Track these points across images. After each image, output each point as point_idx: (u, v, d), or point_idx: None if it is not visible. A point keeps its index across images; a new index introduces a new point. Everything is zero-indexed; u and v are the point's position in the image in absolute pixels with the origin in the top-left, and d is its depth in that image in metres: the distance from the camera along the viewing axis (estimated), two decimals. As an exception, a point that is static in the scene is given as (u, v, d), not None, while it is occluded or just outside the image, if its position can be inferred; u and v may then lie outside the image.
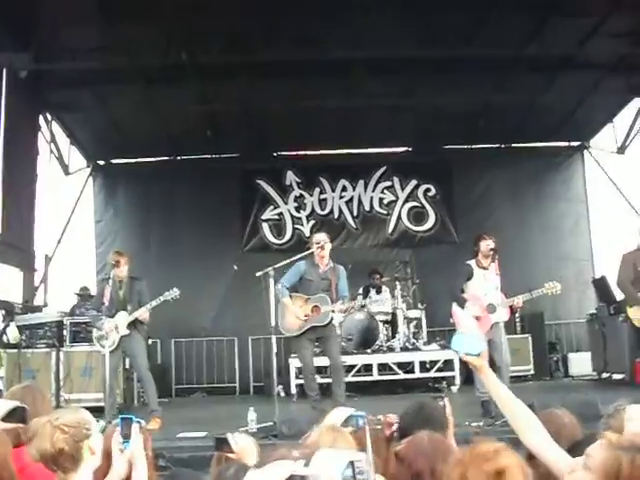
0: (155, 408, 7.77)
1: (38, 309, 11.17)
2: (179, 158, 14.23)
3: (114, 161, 14.35)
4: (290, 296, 7.70)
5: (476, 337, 3.03)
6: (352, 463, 1.65)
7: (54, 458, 2.54)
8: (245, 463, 2.73)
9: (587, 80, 12.14)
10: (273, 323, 7.36)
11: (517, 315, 12.21)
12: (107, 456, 2.76)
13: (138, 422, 2.92)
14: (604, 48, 11.13)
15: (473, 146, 14.55)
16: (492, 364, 7.38)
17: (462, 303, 7.53)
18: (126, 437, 2.83)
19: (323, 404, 7.30)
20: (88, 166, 14.15)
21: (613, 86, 12.44)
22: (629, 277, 7.84)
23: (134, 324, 7.74)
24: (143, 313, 7.67)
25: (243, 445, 2.98)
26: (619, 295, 9.59)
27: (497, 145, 14.63)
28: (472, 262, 7.71)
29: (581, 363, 12.51)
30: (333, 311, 7.65)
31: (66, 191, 13.78)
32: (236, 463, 2.75)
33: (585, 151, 14.78)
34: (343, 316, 10.67)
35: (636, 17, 10.41)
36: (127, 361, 9.28)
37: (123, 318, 7.68)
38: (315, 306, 7.56)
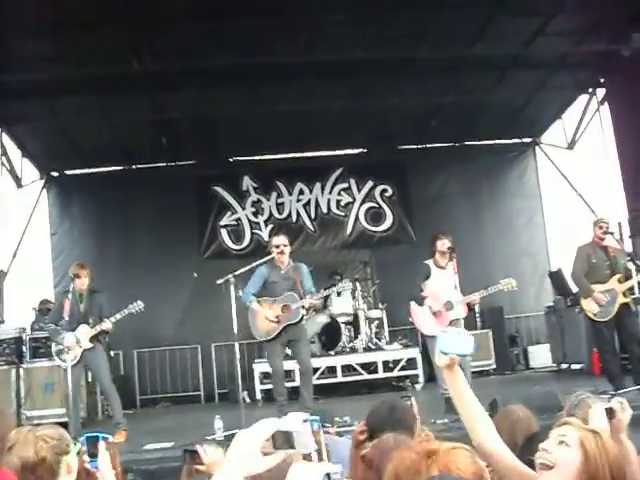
0: (120, 421, 7.71)
1: (-5, 326, 10.99)
2: (134, 167, 14.11)
3: (68, 172, 14.16)
4: (258, 301, 7.70)
5: (464, 335, 2.60)
6: (328, 475, 1.67)
7: (34, 467, 2.52)
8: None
9: (535, 78, 12.39)
10: (236, 329, 7.36)
11: (477, 310, 12.42)
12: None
13: (105, 438, 2.89)
14: (550, 47, 11.39)
15: (427, 145, 14.68)
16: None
17: (420, 301, 7.65)
18: (93, 456, 2.80)
19: (290, 408, 7.32)
20: (42, 178, 13.93)
21: (560, 83, 12.73)
22: (583, 269, 7.96)
23: (96, 337, 7.67)
24: (107, 326, 7.60)
25: (213, 457, 2.98)
26: (575, 287, 9.78)
27: (450, 144, 14.80)
28: (430, 262, 7.85)
29: (541, 355, 12.76)
30: (304, 307, 7.65)
31: (20, 204, 13.56)
32: (206, 475, 2.75)
33: (537, 147, 15.06)
34: (306, 318, 10.69)
35: (579, 17, 10.69)
36: (89, 374, 9.18)
37: (85, 331, 7.59)
38: (285, 305, 7.58)
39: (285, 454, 1.62)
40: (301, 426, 1.62)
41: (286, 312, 7.56)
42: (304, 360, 7.75)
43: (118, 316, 7.60)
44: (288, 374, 8.50)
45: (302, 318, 7.67)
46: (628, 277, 7.88)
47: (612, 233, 8.29)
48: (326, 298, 11.52)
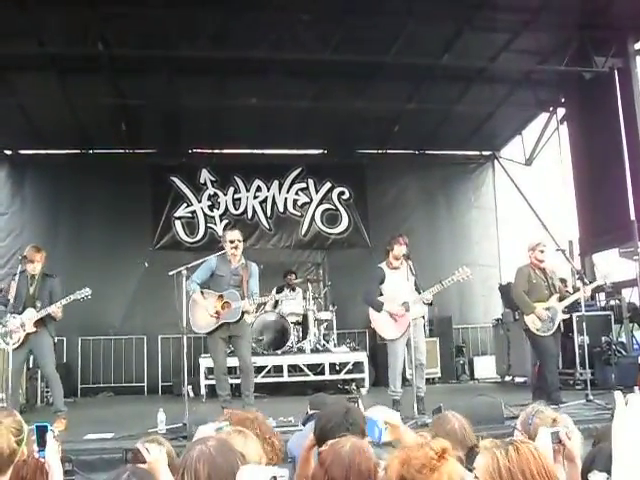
0: (61, 408, 7.54)
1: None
2: (91, 151, 13.86)
3: (22, 151, 13.84)
4: (202, 292, 7.60)
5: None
6: (275, 478, 1.68)
7: (8, 459, 2.49)
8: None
9: (498, 93, 12.57)
10: (184, 322, 7.28)
11: (426, 319, 12.50)
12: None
13: (52, 430, 2.84)
14: (514, 63, 11.57)
15: (388, 151, 14.78)
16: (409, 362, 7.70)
17: (379, 307, 7.69)
18: (42, 445, 2.76)
19: (233, 405, 7.29)
20: (-6, 155, 13.61)
21: (522, 100, 12.94)
22: (524, 288, 8.24)
23: (42, 321, 7.48)
24: (54, 310, 7.43)
25: (155, 456, 2.90)
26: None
27: (411, 151, 14.92)
28: (383, 265, 7.93)
29: (486, 366, 12.92)
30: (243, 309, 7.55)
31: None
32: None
33: (495, 161, 15.25)
34: (255, 316, 10.63)
35: (544, 36, 10.88)
36: (31, 360, 8.97)
37: (31, 315, 7.40)
38: (226, 302, 7.49)
39: None
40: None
41: (226, 309, 7.47)
42: (244, 357, 7.65)
43: (64, 301, 7.41)
44: (230, 370, 8.39)
45: (241, 318, 7.55)
46: (564, 297, 8.22)
47: (563, 250, 8.50)
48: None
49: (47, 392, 9.42)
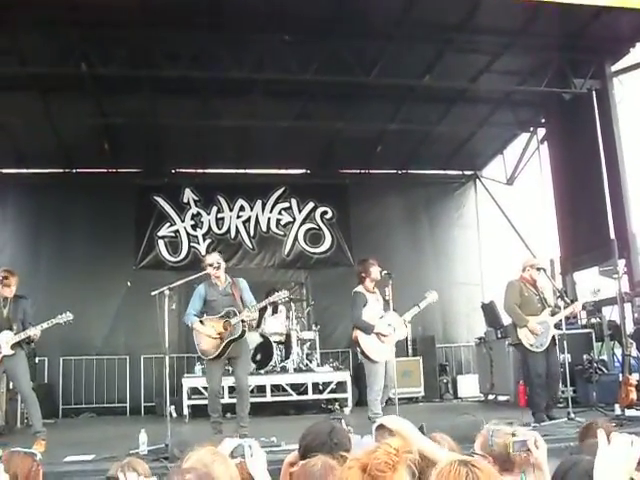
0: (40, 429, 7.43)
1: None
2: (74, 171, 13.83)
3: (4, 171, 13.78)
4: (201, 321, 7.58)
5: None
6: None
7: None
8: None
9: (479, 113, 12.72)
10: (167, 342, 7.24)
11: (409, 338, 12.57)
12: None
13: (33, 454, 2.78)
14: (494, 84, 11.71)
15: (370, 171, 14.87)
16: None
17: (371, 330, 7.65)
18: None
19: (223, 426, 7.30)
20: (-25, 175, 13.54)
21: (502, 120, 13.11)
22: (516, 301, 8.14)
23: (19, 344, 7.40)
24: (35, 333, 7.34)
25: None
26: (506, 320, 9.98)
27: (393, 171, 15.02)
28: (361, 289, 7.86)
29: (469, 385, 12.93)
30: (243, 321, 7.54)
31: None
32: None
33: (477, 180, 15.37)
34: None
35: (523, 58, 11.04)
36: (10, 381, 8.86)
37: (7, 338, 7.32)
38: (226, 321, 7.48)
39: None
40: None
41: (228, 328, 7.47)
42: (239, 378, 7.65)
43: (45, 325, 7.32)
44: (231, 390, 8.35)
45: (244, 333, 7.56)
46: (555, 312, 8.13)
47: (544, 269, 8.52)
48: (261, 316, 11.45)
49: (27, 413, 9.29)
